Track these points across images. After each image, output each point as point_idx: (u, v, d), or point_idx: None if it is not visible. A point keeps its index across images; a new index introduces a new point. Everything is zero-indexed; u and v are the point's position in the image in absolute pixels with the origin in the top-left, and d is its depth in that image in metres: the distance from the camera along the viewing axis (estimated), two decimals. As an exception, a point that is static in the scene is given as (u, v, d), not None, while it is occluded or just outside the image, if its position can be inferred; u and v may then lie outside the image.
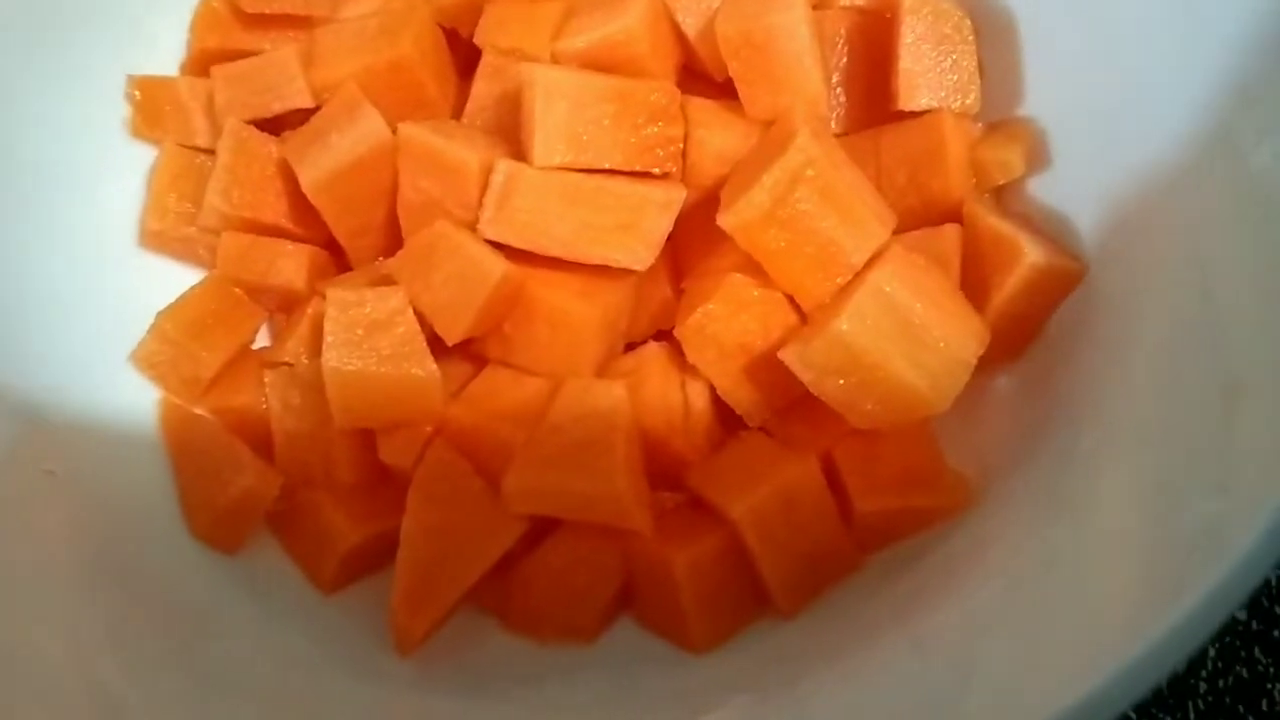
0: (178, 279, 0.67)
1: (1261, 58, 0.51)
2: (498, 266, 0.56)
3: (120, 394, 0.64)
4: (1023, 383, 0.61)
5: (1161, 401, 0.51)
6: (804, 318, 0.59)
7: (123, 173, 0.68)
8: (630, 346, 0.64)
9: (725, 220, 0.56)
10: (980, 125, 0.66)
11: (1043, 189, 0.64)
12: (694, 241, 0.63)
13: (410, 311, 0.57)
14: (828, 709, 0.50)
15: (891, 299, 0.55)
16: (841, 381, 0.55)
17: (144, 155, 0.69)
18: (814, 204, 0.56)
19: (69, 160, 0.67)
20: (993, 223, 0.60)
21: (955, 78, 0.64)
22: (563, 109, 0.59)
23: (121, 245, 0.68)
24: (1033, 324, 0.61)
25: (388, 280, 0.59)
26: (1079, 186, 0.62)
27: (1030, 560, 0.51)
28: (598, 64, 0.63)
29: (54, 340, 0.63)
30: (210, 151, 0.67)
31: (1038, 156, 0.64)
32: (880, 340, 0.54)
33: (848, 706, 0.49)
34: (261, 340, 0.68)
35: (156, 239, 0.67)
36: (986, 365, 0.61)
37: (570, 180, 0.59)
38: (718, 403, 0.61)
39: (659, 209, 0.59)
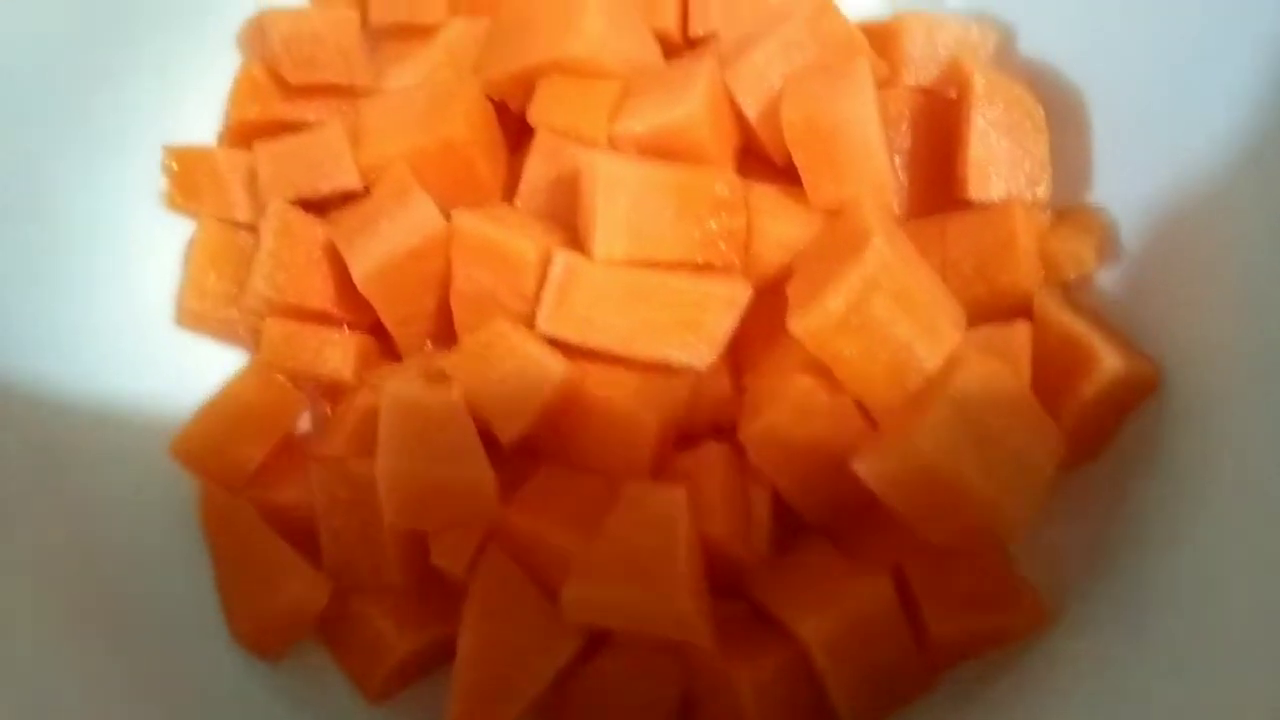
0: (216, 357, 0.65)
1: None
2: (558, 368, 0.54)
3: (158, 481, 0.61)
4: (1097, 486, 0.59)
5: (1251, 523, 0.49)
6: (873, 422, 0.57)
7: (158, 246, 0.66)
8: (686, 436, 0.62)
9: (795, 326, 0.54)
10: (1048, 214, 0.64)
11: (1112, 283, 0.63)
12: (755, 332, 0.60)
13: (466, 411, 0.55)
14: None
15: (968, 411, 0.53)
16: (915, 496, 0.53)
17: (180, 227, 0.66)
18: (888, 311, 0.53)
19: (104, 233, 0.64)
20: (1066, 322, 0.58)
21: (1027, 168, 0.62)
22: (625, 202, 0.57)
23: (158, 322, 0.65)
24: (1108, 429, 0.59)
25: (442, 376, 0.56)
26: (1150, 279, 0.61)
27: (1105, 689, 0.50)
28: (656, 148, 0.61)
29: (91, 426, 0.61)
30: (250, 227, 0.65)
31: (1107, 247, 0.62)
32: (957, 456, 0.52)
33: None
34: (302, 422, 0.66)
35: (195, 319, 0.64)
36: (1059, 470, 0.59)
37: (632, 276, 0.57)
38: (780, 504, 0.59)
39: (724, 307, 0.57)
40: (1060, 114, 0.65)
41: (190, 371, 0.65)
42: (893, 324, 0.54)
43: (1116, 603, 0.53)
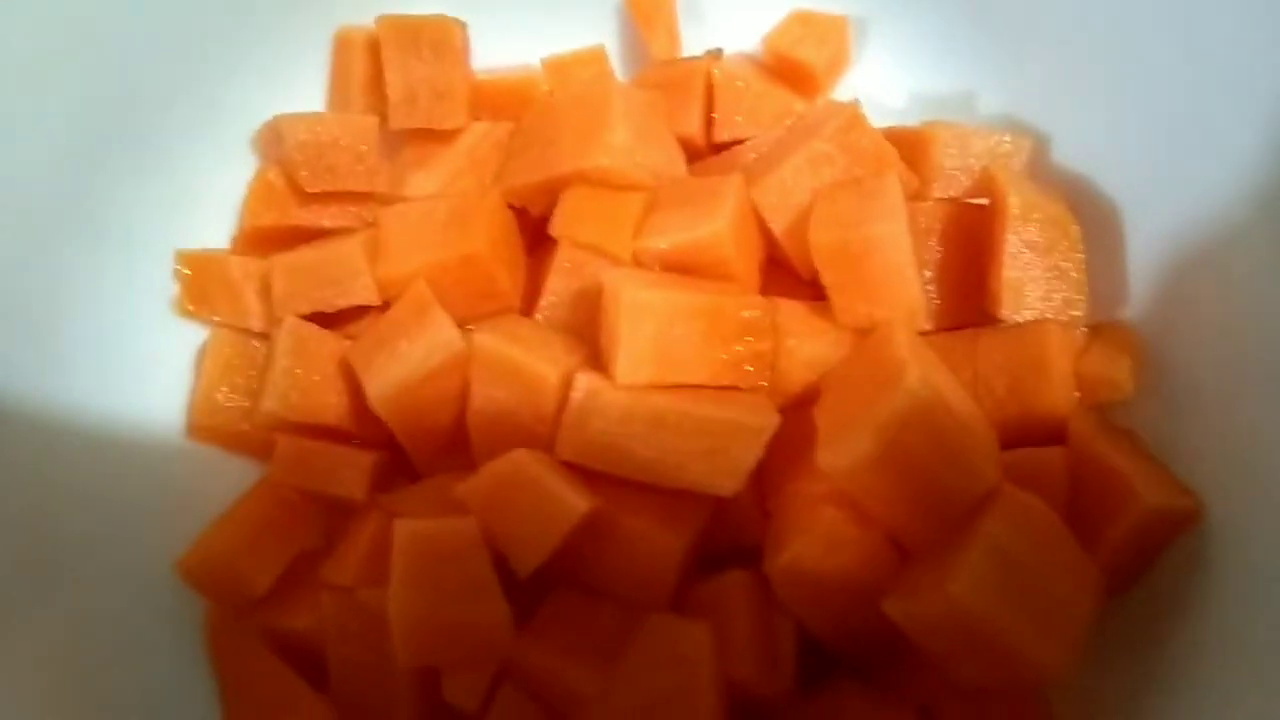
0: (227, 468, 0.64)
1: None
2: (580, 505, 0.53)
3: (164, 600, 0.60)
4: (1136, 625, 0.57)
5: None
6: (905, 554, 0.55)
7: (169, 353, 0.65)
8: (706, 557, 0.60)
9: (825, 460, 0.52)
10: (1083, 331, 0.62)
11: (1150, 399, 0.61)
12: (780, 452, 0.58)
13: (483, 547, 0.53)
14: None
15: (1004, 553, 0.51)
16: (950, 640, 0.51)
17: (192, 334, 0.65)
18: (922, 447, 0.52)
19: (114, 340, 0.63)
20: (1103, 451, 0.56)
21: (1062, 289, 0.60)
22: (650, 328, 0.55)
23: (167, 432, 0.64)
24: (1144, 563, 0.57)
25: (458, 506, 0.55)
26: (1190, 402, 0.59)
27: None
28: (681, 265, 0.59)
29: (97, 540, 0.59)
30: (263, 336, 0.63)
31: (1144, 368, 0.60)
32: (993, 601, 0.50)
33: None
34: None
35: (206, 433, 0.63)
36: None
37: (654, 401, 0.55)
38: (808, 641, 0.57)
39: (750, 436, 0.55)
40: (1094, 225, 0.63)
41: (200, 483, 0.63)
42: (925, 461, 0.52)
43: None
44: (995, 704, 0.54)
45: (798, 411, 0.57)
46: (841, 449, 0.52)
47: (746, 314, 0.57)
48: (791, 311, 0.59)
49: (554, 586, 0.58)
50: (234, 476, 0.64)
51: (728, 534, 0.60)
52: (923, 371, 0.52)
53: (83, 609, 0.57)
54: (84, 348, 0.62)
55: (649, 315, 0.55)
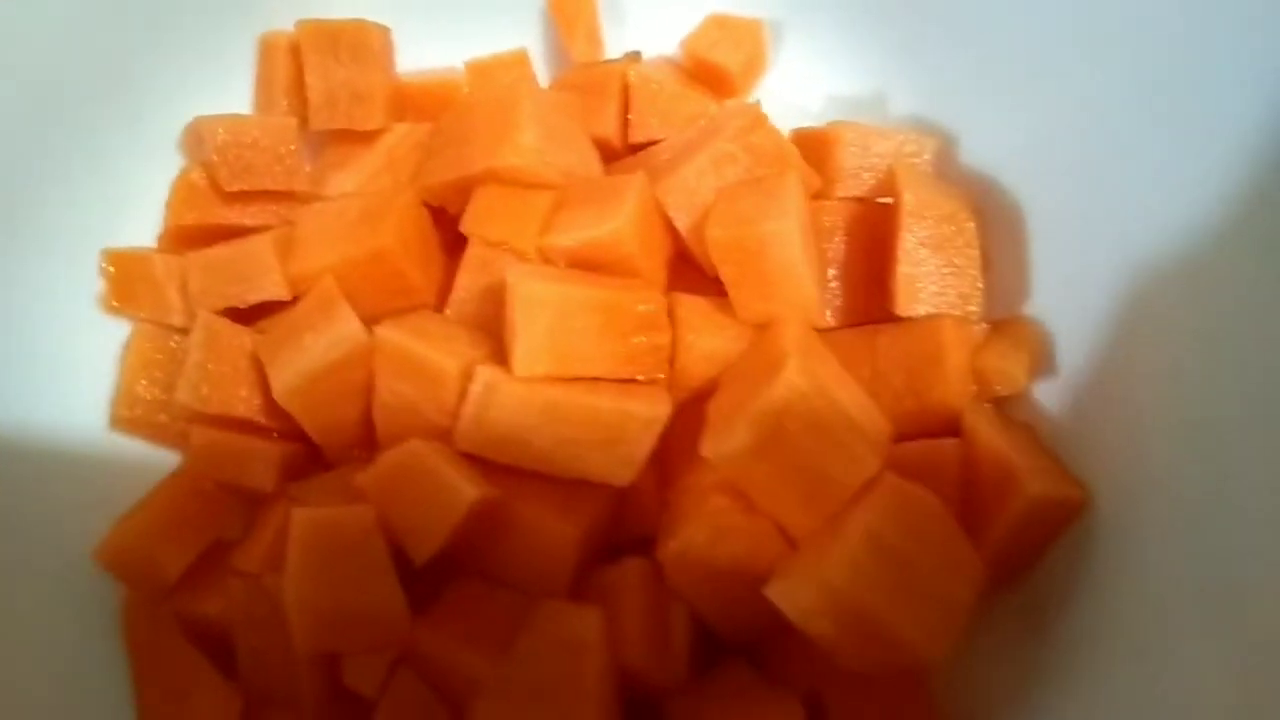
0: (151, 460, 0.65)
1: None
2: (470, 493, 0.54)
3: (82, 587, 0.61)
4: (1021, 614, 0.58)
5: (1162, 672, 0.48)
6: (792, 543, 0.56)
7: (95, 348, 0.66)
8: (610, 549, 0.61)
9: (707, 450, 0.54)
10: (983, 326, 0.63)
11: (1047, 396, 0.62)
12: (680, 445, 0.60)
13: (379, 534, 0.54)
14: None
15: (882, 540, 0.52)
16: (829, 624, 0.52)
17: (118, 329, 0.67)
18: (800, 437, 0.53)
19: (40, 334, 0.64)
20: (993, 442, 0.57)
21: (956, 283, 0.61)
22: (545, 320, 0.56)
23: (92, 424, 0.65)
24: (1031, 553, 0.58)
25: (358, 495, 0.56)
26: (1084, 395, 0.60)
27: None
28: (586, 262, 0.61)
29: (14, 526, 0.61)
30: (185, 331, 0.65)
31: (1041, 362, 0.62)
32: (871, 587, 0.51)
33: None
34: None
35: (127, 424, 0.65)
36: (981, 595, 0.58)
37: (550, 393, 0.56)
38: (701, 627, 0.58)
39: (643, 426, 0.57)
40: (999, 224, 0.65)
41: (124, 476, 0.64)
42: (806, 450, 0.53)
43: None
44: (878, 689, 0.55)
45: (698, 406, 0.58)
46: (722, 438, 0.53)
47: (643, 308, 0.58)
48: (692, 307, 0.61)
49: (455, 576, 0.60)
50: (158, 470, 0.65)
51: (630, 525, 0.61)
52: (803, 362, 0.54)
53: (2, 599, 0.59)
54: (9, 343, 0.63)
55: (544, 308, 0.56)
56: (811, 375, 0.54)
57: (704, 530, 0.55)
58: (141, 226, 0.68)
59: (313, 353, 0.58)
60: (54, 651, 0.59)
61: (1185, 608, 0.49)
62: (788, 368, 0.53)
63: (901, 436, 0.60)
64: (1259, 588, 0.45)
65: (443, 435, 0.58)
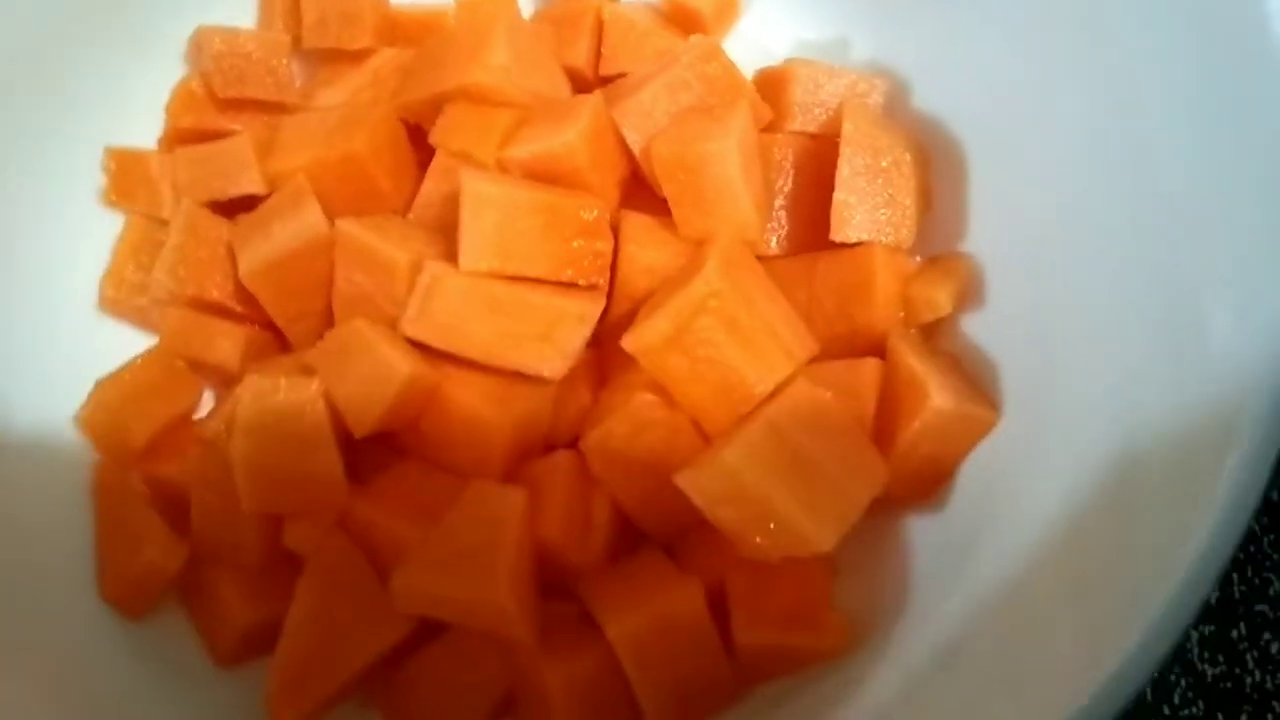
0: (134, 344, 0.70)
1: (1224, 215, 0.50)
2: (404, 368, 0.58)
3: (63, 454, 0.66)
4: (928, 527, 0.60)
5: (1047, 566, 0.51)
6: (708, 441, 0.59)
7: (94, 238, 0.71)
8: (548, 450, 0.65)
9: (628, 343, 0.57)
10: (918, 259, 0.66)
11: (975, 327, 0.64)
12: (618, 353, 0.63)
13: (321, 403, 0.59)
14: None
15: (784, 434, 0.55)
16: (731, 511, 0.55)
17: (115, 223, 0.72)
18: (715, 334, 0.56)
19: (45, 223, 0.70)
20: (909, 361, 0.60)
21: (888, 213, 0.64)
22: (491, 218, 0.60)
23: (84, 308, 0.71)
24: (941, 467, 0.60)
25: (309, 370, 0.60)
26: (1008, 330, 0.62)
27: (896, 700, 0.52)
28: (540, 174, 0.64)
29: (6, 392, 0.66)
30: (172, 224, 0.70)
31: (970, 294, 0.64)
32: (768, 475, 0.54)
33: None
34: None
35: (113, 305, 0.70)
36: (894, 505, 0.61)
37: (493, 288, 0.60)
38: (622, 517, 0.62)
39: (575, 321, 0.60)
40: (944, 166, 0.68)
41: (110, 355, 0.70)
42: (721, 347, 0.57)
43: (919, 637, 0.55)
44: (779, 581, 0.58)
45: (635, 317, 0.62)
46: (641, 331, 0.57)
47: (585, 214, 0.62)
48: (637, 222, 0.64)
49: (397, 460, 0.64)
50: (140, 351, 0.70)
51: (568, 429, 0.65)
52: (724, 266, 0.57)
53: None
54: (16, 229, 0.68)
55: (490, 206, 0.60)
56: (731, 279, 0.57)
57: (625, 422, 0.59)
58: (144, 128, 0.73)
59: (278, 239, 0.63)
60: (28, 509, 0.64)
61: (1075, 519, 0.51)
62: (707, 267, 0.56)
63: (833, 357, 0.63)
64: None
65: (393, 324, 0.62)
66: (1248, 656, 0.71)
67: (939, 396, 0.58)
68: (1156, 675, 0.69)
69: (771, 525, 0.55)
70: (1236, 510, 0.40)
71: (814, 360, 0.61)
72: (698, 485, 0.55)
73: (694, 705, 0.57)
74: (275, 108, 0.72)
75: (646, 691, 0.56)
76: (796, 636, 0.56)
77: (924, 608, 0.56)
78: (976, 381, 0.62)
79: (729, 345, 0.57)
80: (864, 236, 0.64)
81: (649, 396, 0.59)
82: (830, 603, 0.58)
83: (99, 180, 0.72)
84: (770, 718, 0.56)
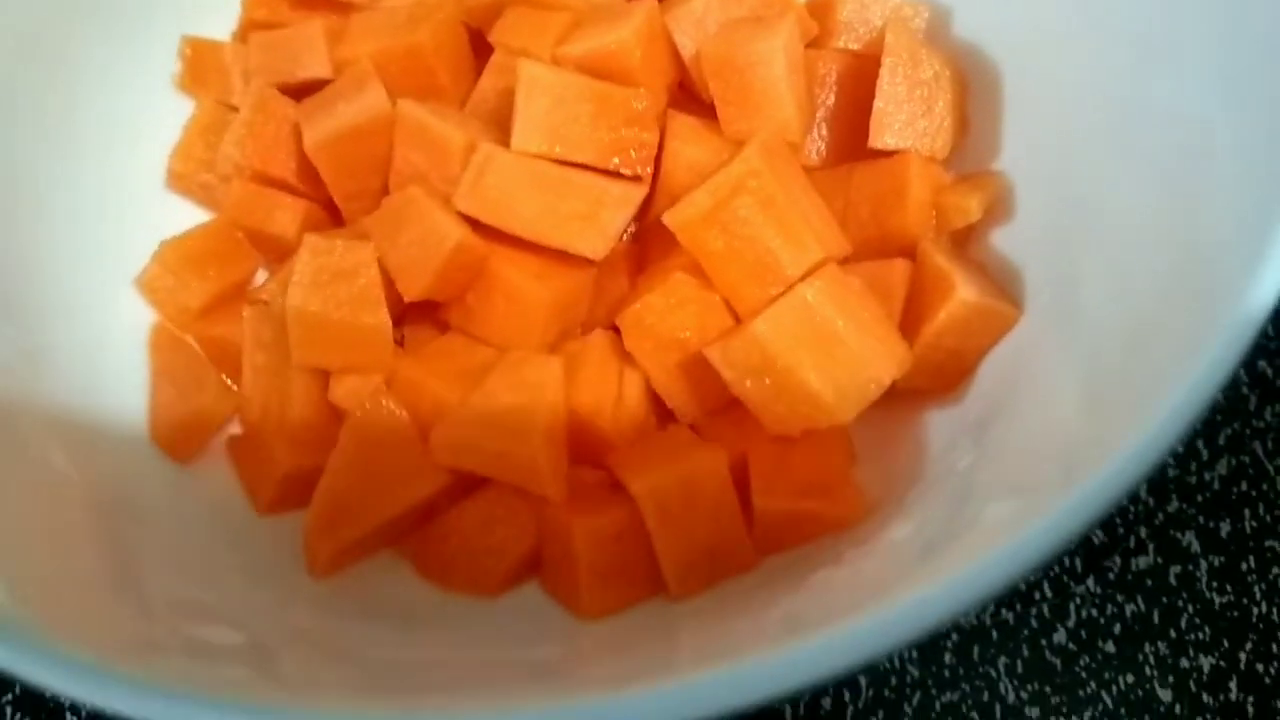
0: (197, 219, 0.74)
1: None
2: (454, 233, 0.61)
3: (124, 314, 0.70)
4: (947, 415, 0.63)
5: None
6: (739, 321, 0.62)
7: (166, 121, 0.75)
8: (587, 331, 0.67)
9: (669, 217, 0.60)
10: (953, 174, 0.69)
11: (1003, 240, 0.67)
12: (658, 243, 0.66)
13: (375, 265, 0.62)
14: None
15: (812, 310, 0.58)
16: (756, 382, 0.58)
17: (187, 108, 0.76)
18: (753, 213, 0.59)
19: (121, 105, 0.74)
20: (938, 260, 0.62)
21: (925, 123, 0.67)
22: (544, 102, 0.63)
23: (153, 186, 0.74)
24: (964, 361, 0.63)
25: (361, 234, 0.63)
26: (1034, 241, 0.65)
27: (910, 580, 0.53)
28: (593, 70, 0.67)
29: (75, 259, 0.69)
30: (241, 110, 0.73)
31: (1000, 207, 0.67)
32: (794, 346, 0.57)
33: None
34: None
35: (180, 181, 0.73)
36: (917, 396, 0.63)
37: (541, 167, 0.63)
38: (653, 396, 0.64)
39: (617, 203, 0.63)
40: (980, 91, 0.70)
41: (175, 227, 0.73)
42: (757, 226, 0.59)
43: (934, 497, 0.57)
44: (799, 455, 0.60)
45: (678, 209, 0.65)
46: (682, 205, 0.60)
47: (635, 104, 0.65)
48: (683, 121, 0.67)
49: (446, 334, 0.67)
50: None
51: (604, 311, 0.67)
52: (763, 151, 0.60)
53: (41, 311, 0.67)
54: (94, 115, 0.72)
55: (543, 90, 0.63)
56: (771, 164, 0.60)
57: (661, 298, 0.62)
58: (222, 21, 0.77)
59: (343, 116, 0.66)
60: (88, 363, 0.67)
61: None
62: (749, 148, 0.59)
63: (865, 260, 0.65)
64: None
65: (446, 201, 0.65)
66: (1255, 589, 0.72)
67: (964, 290, 0.60)
68: (1165, 601, 0.71)
69: (795, 396, 0.57)
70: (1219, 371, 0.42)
71: (847, 261, 0.64)
72: (727, 357, 0.58)
73: (712, 567, 0.59)
74: (345, 6, 0.75)
75: (666, 549, 0.58)
76: (813, 503, 0.58)
77: (937, 475, 0.58)
78: (1000, 283, 0.64)
79: (765, 225, 0.59)
80: (901, 144, 0.66)
81: (685, 275, 0.62)
82: (848, 477, 0.60)
83: (174, 68, 0.76)
84: (783, 579, 0.58)
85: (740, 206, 0.59)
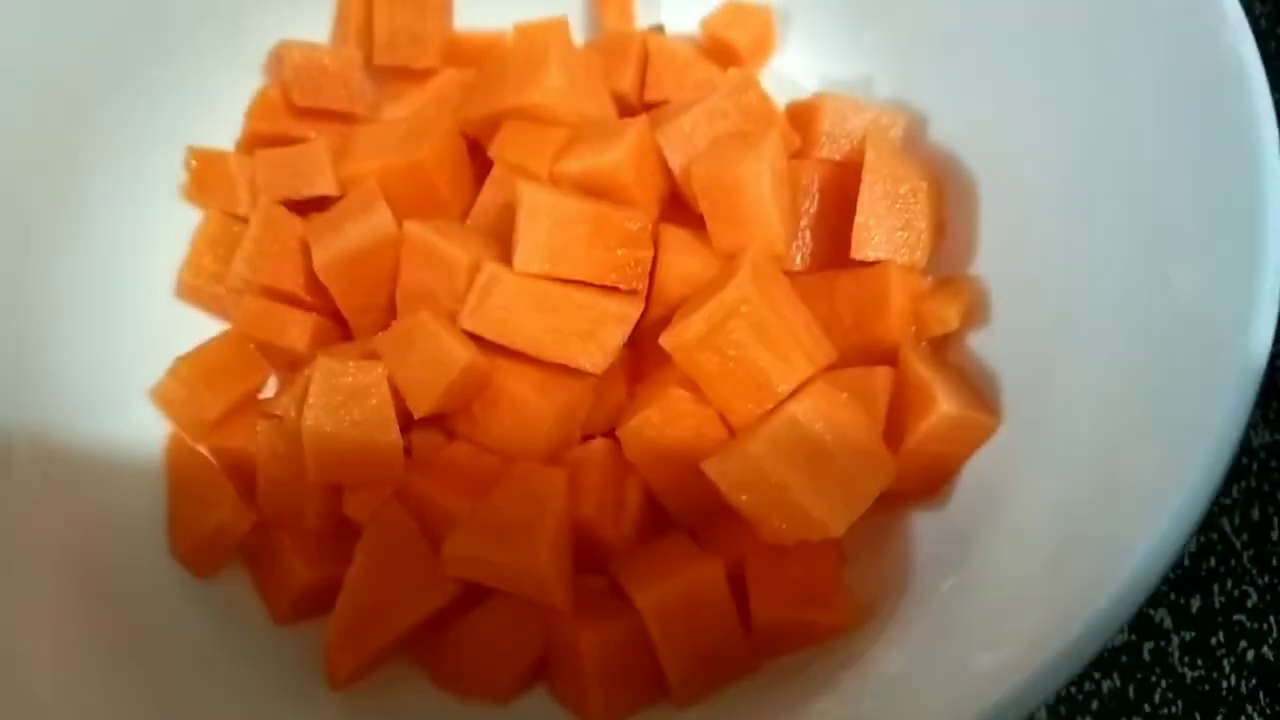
0: (206, 329, 0.76)
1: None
2: (463, 355, 0.64)
3: (137, 426, 0.72)
4: (931, 520, 0.66)
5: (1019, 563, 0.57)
6: (733, 434, 0.65)
7: (174, 231, 0.78)
8: (586, 439, 0.70)
9: (666, 340, 0.63)
10: (930, 279, 0.72)
11: (980, 343, 0.70)
12: (652, 353, 0.69)
13: (386, 385, 0.65)
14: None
15: (804, 429, 0.61)
16: (752, 497, 0.61)
17: (193, 218, 0.78)
18: (745, 335, 0.62)
19: (127, 215, 0.76)
20: (919, 370, 0.66)
21: (905, 235, 0.70)
22: (545, 225, 0.67)
23: (161, 295, 0.77)
24: (946, 468, 0.66)
25: (373, 355, 0.66)
26: (1010, 345, 0.68)
27: (899, 689, 0.57)
28: (588, 187, 0.71)
29: (88, 369, 0.71)
30: (248, 221, 0.76)
31: (976, 313, 0.70)
32: (788, 465, 0.60)
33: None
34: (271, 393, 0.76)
35: (190, 292, 0.76)
36: (901, 501, 0.67)
37: (543, 287, 0.66)
38: (652, 502, 0.67)
39: (616, 321, 0.67)
40: (957, 196, 0.74)
41: (187, 339, 0.75)
42: (749, 348, 0.62)
43: (922, 618, 0.60)
44: (795, 563, 0.63)
45: (671, 319, 0.68)
46: (678, 330, 0.63)
47: (630, 225, 0.68)
48: (675, 234, 0.70)
49: (453, 442, 0.70)
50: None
51: (604, 420, 0.71)
52: (756, 275, 0.63)
53: (61, 425, 0.69)
54: (100, 222, 0.74)
55: (544, 214, 0.67)
56: (761, 287, 0.63)
57: (659, 412, 0.65)
58: (224, 131, 0.80)
59: (350, 236, 0.69)
60: (104, 474, 0.70)
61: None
62: (741, 274, 0.63)
63: (848, 366, 0.69)
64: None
65: (452, 318, 0.68)
66: (1225, 662, 0.76)
67: (946, 402, 0.63)
68: (1139, 677, 0.75)
69: (789, 510, 0.60)
70: (1207, 488, 0.46)
71: (832, 367, 0.67)
72: (723, 472, 0.61)
73: (714, 673, 0.62)
74: (346, 118, 0.78)
75: (670, 657, 0.61)
76: (809, 612, 0.62)
77: (924, 588, 0.62)
78: (979, 390, 0.68)
79: (756, 347, 0.63)
80: (882, 255, 0.70)
81: (682, 391, 0.65)
82: (841, 584, 0.64)
83: (180, 177, 0.78)
84: (785, 686, 0.61)
85: (733, 330, 0.62)
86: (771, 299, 0.64)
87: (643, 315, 0.70)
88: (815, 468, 0.61)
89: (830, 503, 0.60)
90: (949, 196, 0.74)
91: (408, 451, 0.68)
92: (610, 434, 0.69)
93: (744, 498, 0.61)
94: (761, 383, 0.63)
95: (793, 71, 0.83)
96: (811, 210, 0.74)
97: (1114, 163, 0.62)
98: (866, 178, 0.70)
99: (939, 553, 0.63)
